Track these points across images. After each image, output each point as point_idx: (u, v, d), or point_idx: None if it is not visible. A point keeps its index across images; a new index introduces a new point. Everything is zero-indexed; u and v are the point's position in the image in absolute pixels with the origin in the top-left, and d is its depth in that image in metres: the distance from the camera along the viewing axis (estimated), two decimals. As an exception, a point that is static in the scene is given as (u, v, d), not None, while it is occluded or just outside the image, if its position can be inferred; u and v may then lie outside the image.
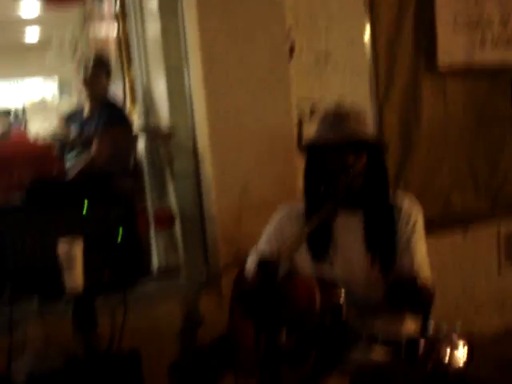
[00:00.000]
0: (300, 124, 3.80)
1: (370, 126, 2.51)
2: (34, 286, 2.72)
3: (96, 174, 3.72)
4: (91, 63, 4.43)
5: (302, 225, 2.40)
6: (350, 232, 2.44)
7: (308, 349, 2.09)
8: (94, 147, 4.28)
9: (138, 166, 4.22)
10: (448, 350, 1.82)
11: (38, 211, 2.75)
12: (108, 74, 4.51)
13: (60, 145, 4.50)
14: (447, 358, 1.81)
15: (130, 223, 2.85)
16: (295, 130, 3.75)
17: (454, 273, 4.27)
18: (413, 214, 2.45)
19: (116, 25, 4.61)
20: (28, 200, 2.80)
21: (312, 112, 3.83)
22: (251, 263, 2.49)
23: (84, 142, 4.38)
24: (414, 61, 4.27)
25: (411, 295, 2.24)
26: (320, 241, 2.42)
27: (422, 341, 1.89)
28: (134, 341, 2.94)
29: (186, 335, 3.47)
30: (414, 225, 2.43)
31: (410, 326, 2.32)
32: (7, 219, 2.73)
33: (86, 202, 2.73)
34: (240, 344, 2.32)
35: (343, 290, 2.15)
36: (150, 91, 4.15)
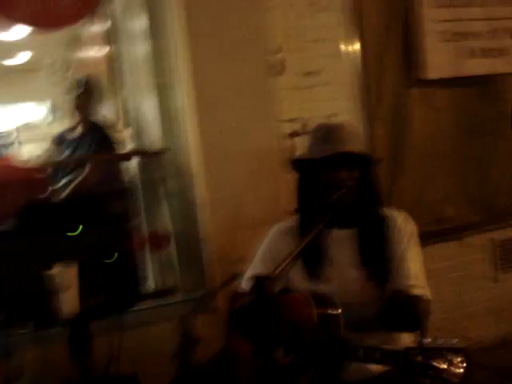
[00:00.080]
0: (292, 140, 3.81)
1: (361, 140, 2.52)
2: (28, 312, 2.69)
3: (88, 196, 3.70)
4: (82, 87, 4.44)
5: (295, 241, 2.39)
6: (343, 247, 2.44)
7: (306, 365, 2.08)
8: (86, 169, 4.28)
9: (130, 187, 4.21)
10: (445, 365, 1.81)
11: (30, 235, 2.73)
12: (97, 96, 4.52)
13: (53, 167, 4.49)
14: (444, 373, 1.80)
15: (123, 245, 2.84)
16: (281, 148, 3.75)
17: (450, 283, 4.27)
18: (407, 227, 2.44)
19: (105, 46, 4.62)
20: (20, 225, 2.79)
21: (303, 128, 3.84)
22: (246, 281, 2.48)
23: (76, 164, 4.38)
24: (402, 73, 4.30)
25: (406, 315, 2.23)
26: (314, 257, 2.41)
27: (419, 352, 1.88)
28: (132, 363, 2.93)
29: (184, 355, 3.45)
30: (409, 238, 2.43)
31: (407, 339, 2.33)
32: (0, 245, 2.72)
33: (78, 224, 2.72)
34: (238, 362, 2.30)
35: (339, 305, 2.14)
36: (141, 112, 4.17)
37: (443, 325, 4.01)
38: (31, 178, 4.30)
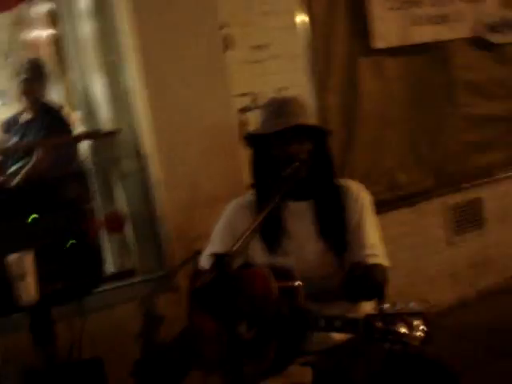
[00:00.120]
0: (243, 116, 3.80)
1: (311, 113, 2.53)
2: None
3: (41, 182, 3.65)
4: (26, 70, 4.35)
5: (253, 216, 2.40)
6: (300, 219, 2.45)
7: (268, 339, 2.10)
8: (36, 154, 4.21)
9: (83, 169, 4.16)
10: (405, 329, 1.84)
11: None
12: (44, 79, 4.43)
13: (2, 154, 4.41)
14: (404, 337, 1.84)
15: (80, 229, 2.81)
16: (238, 122, 3.76)
17: (406, 249, 4.35)
18: (361, 196, 2.47)
19: (51, 27, 4.53)
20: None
21: (254, 102, 3.84)
22: (206, 259, 2.49)
23: (26, 150, 4.30)
24: (349, 43, 4.32)
25: (368, 286, 2.26)
26: (272, 231, 2.43)
27: (379, 318, 1.91)
28: (96, 347, 2.92)
29: (147, 335, 3.46)
30: (364, 207, 2.46)
31: (367, 306, 2.37)
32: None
33: (32, 211, 2.68)
34: (201, 339, 2.31)
35: (298, 277, 2.17)
36: (89, 93, 4.10)
37: (401, 290, 4.08)
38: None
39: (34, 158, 4.21)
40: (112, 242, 3.96)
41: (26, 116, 4.41)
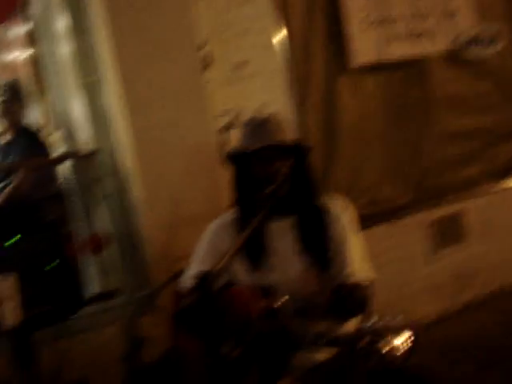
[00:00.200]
0: (224, 134, 3.81)
1: (290, 131, 2.54)
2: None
3: (22, 204, 3.63)
4: (5, 92, 4.33)
5: (234, 234, 2.41)
6: (283, 237, 2.46)
7: (253, 359, 2.10)
8: (16, 176, 4.18)
9: (62, 191, 4.14)
10: (388, 343, 1.85)
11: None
12: (23, 101, 4.42)
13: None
14: (387, 351, 1.84)
15: (63, 250, 2.80)
16: (218, 141, 3.76)
17: (386, 264, 4.33)
18: (345, 213, 2.48)
19: (29, 48, 4.52)
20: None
21: (234, 121, 3.85)
22: (188, 279, 2.48)
23: (6, 172, 4.27)
24: (327, 61, 4.36)
25: (352, 307, 2.27)
26: (255, 249, 2.43)
27: (362, 335, 1.91)
28: (81, 369, 2.89)
29: (131, 356, 3.43)
30: (347, 223, 2.47)
31: (352, 323, 2.37)
32: None
33: (14, 233, 2.67)
34: (185, 360, 2.30)
35: (282, 296, 2.16)
36: (68, 113, 4.09)
37: (383, 305, 4.07)
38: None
39: (15, 180, 4.18)
40: (93, 264, 3.94)
41: (6, 137, 4.38)
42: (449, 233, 4.73)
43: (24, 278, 2.55)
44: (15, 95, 4.37)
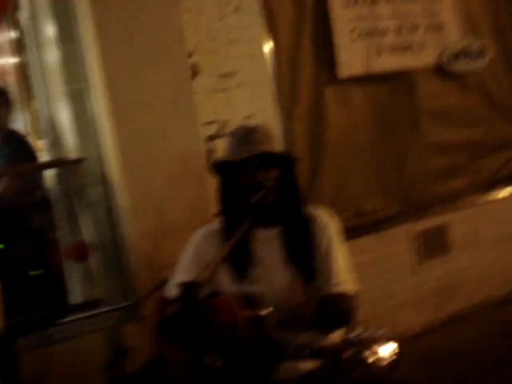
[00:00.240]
0: (210, 144, 3.81)
1: (277, 141, 2.53)
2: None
3: (6, 210, 3.60)
4: None
5: (220, 244, 2.40)
6: (268, 247, 2.45)
7: (237, 369, 2.08)
8: (1, 182, 4.15)
9: (47, 198, 4.11)
10: (371, 353, 1.84)
11: None
12: (9, 107, 4.38)
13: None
14: (370, 360, 1.84)
15: (46, 258, 2.77)
16: (205, 150, 3.76)
17: (371, 276, 4.35)
18: (329, 224, 2.48)
19: (15, 55, 4.50)
20: None
21: (221, 130, 3.85)
22: (173, 288, 2.47)
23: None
24: (315, 72, 4.37)
25: (338, 318, 2.26)
26: (240, 258, 2.42)
27: (347, 346, 1.90)
28: (62, 378, 2.86)
29: (114, 365, 3.40)
30: (332, 234, 2.46)
31: (336, 334, 2.36)
32: None
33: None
34: (169, 369, 2.29)
35: (266, 306, 2.16)
36: (54, 120, 4.07)
37: (368, 317, 4.08)
38: None
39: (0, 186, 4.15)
40: (78, 272, 3.91)
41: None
42: (434, 245, 4.74)
43: (7, 285, 2.53)
44: (2, 100, 4.33)
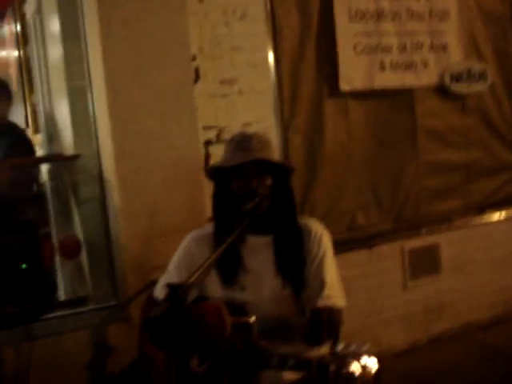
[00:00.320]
0: (207, 149, 3.81)
1: (274, 149, 2.53)
2: None
3: (-2, 203, 3.59)
4: None
5: (210, 249, 2.39)
6: (259, 255, 2.45)
7: (220, 375, 2.08)
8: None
9: (42, 192, 4.11)
10: (357, 367, 1.84)
11: None
12: (8, 98, 4.39)
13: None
14: (357, 374, 1.83)
15: (33, 252, 2.76)
16: (202, 155, 3.76)
17: (361, 291, 4.35)
18: (321, 236, 2.47)
19: (17, 48, 4.50)
20: None
21: (219, 136, 3.85)
22: (160, 289, 2.46)
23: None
24: (316, 84, 4.36)
25: (329, 332, 2.25)
26: (229, 264, 2.41)
27: (332, 359, 1.90)
28: (43, 374, 2.85)
29: (97, 365, 3.39)
30: (324, 247, 2.46)
31: (321, 346, 2.36)
32: None
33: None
34: (152, 371, 2.28)
35: (253, 314, 2.15)
36: (53, 116, 4.07)
37: (355, 331, 4.09)
38: None
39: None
40: (66, 268, 3.90)
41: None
42: (425, 263, 4.74)
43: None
44: (3, 92, 4.33)
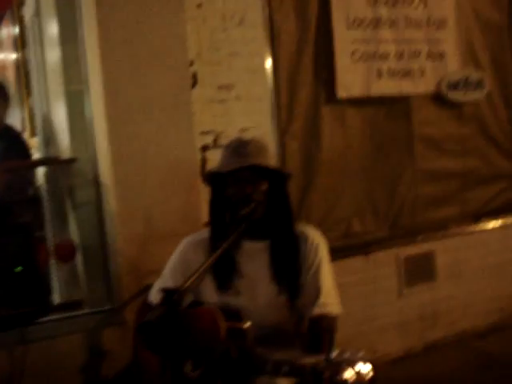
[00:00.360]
0: (204, 154, 3.81)
1: (270, 155, 2.52)
2: None
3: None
4: None
5: (205, 253, 2.39)
6: (254, 261, 2.44)
7: (214, 380, 2.07)
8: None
9: (38, 195, 4.10)
10: (352, 373, 1.84)
11: None
12: (6, 100, 4.38)
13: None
14: (351, 380, 1.83)
15: (28, 255, 2.76)
16: (199, 159, 3.76)
17: (357, 297, 4.35)
18: (318, 243, 2.47)
19: (15, 51, 4.50)
20: None
21: (215, 141, 3.85)
22: (155, 293, 2.46)
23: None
24: (314, 91, 4.37)
25: (329, 335, 2.25)
26: (224, 269, 2.41)
27: (326, 366, 1.89)
28: (37, 378, 2.84)
29: (91, 369, 3.38)
30: (321, 254, 2.45)
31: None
32: None
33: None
34: (145, 376, 2.27)
35: (247, 319, 2.15)
36: (50, 119, 4.07)
37: (350, 338, 4.09)
38: None
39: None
40: (61, 272, 3.90)
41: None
42: (420, 271, 4.74)
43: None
44: (0, 94, 4.32)
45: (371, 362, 1.84)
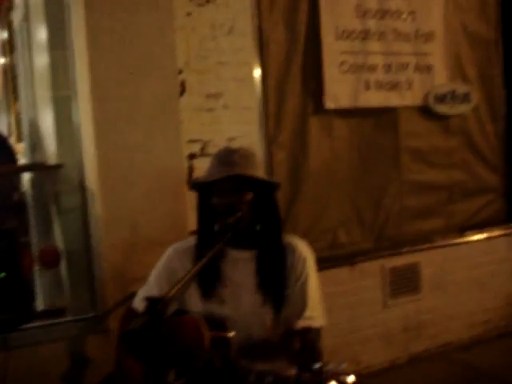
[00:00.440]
0: (191, 162, 3.81)
1: (257, 165, 2.52)
2: None
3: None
4: None
5: (191, 262, 2.38)
6: (239, 269, 2.43)
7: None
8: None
9: (23, 201, 4.08)
10: (334, 384, 1.84)
11: None
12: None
13: None
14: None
15: (12, 261, 2.74)
16: (186, 168, 3.75)
17: (341, 308, 4.35)
18: (306, 255, 2.47)
19: (3, 55, 4.48)
20: None
21: (203, 149, 3.85)
22: (139, 301, 2.44)
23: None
24: (302, 101, 4.39)
25: (314, 347, 2.25)
26: (209, 277, 2.40)
27: (310, 377, 1.89)
28: (19, 384, 2.82)
29: (73, 377, 3.36)
30: (308, 266, 2.45)
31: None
32: None
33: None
34: (128, 383, 2.26)
35: (232, 329, 2.14)
36: (37, 124, 4.05)
37: (335, 349, 4.09)
38: None
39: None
40: (45, 278, 3.87)
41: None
42: (405, 282, 4.75)
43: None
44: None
45: (354, 374, 1.84)
